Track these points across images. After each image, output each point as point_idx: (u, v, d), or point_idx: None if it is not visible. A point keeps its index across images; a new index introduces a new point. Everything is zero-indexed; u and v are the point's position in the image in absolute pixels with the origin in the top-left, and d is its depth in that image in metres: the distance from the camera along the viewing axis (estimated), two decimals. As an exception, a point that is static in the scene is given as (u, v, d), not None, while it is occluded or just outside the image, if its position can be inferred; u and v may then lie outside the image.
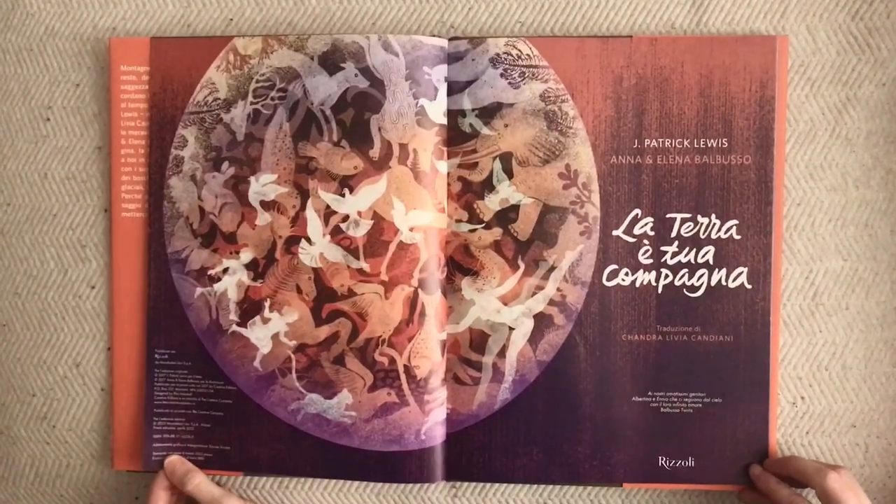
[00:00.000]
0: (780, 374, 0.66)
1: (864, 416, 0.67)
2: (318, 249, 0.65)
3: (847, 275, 0.66)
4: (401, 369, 0.65)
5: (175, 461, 0.66)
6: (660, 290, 0.65)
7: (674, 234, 0.65)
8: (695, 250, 0.65)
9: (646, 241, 0.65)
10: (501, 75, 0.65)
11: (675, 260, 0.65)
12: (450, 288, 0.66)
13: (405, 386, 0.65)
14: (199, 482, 0.64)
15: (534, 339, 0.65)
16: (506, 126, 0.65)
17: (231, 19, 0.68)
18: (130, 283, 0.68)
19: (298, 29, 0.68)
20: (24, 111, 0.69)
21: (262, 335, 0.66)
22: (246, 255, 0.66)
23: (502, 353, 0.65)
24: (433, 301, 0.65)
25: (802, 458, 0.63)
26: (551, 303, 0.65)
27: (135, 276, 0.67)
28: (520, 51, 0.64)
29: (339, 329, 0.65)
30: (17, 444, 0.70)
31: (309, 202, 0.65)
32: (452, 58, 0.65)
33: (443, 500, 0.68)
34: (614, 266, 0.65)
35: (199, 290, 0.67)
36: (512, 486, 0.67)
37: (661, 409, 0.65)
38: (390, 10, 0.67)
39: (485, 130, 0.65)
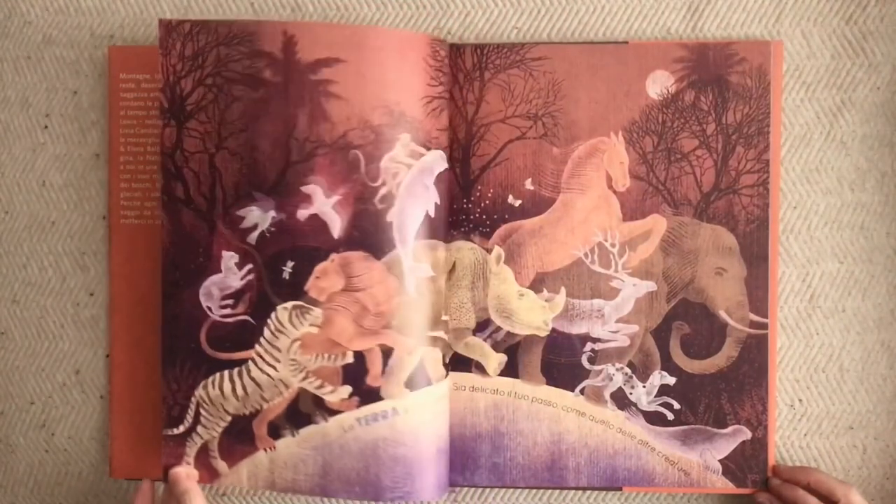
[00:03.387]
0: (778, 376, 0.67)
1: (862, 418, 0.67)
2: None
3: (843, 277, 0.67)
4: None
5: (180, 473, 0.63)
6: (658, 294, 0.66)
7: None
8: (692, 254, 0.66)
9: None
10: None
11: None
12: None
13: None
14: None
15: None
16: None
17: (229, 26, 0.68)
18: (130, 290, 0.67)
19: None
20: (23, 119, 0.69)
21: None
22: None
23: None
24: None
25: (822, 471, 0.64)
26: None
27: (134, 284, 0.67)
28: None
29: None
30: (16, 453, 0.70)
31: None
32: None
33: (443, 504, 0.68)
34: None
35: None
36: (512, 489, 0.68)
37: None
38: (388, 15, 0.68)
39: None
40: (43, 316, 0.69)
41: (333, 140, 0.61)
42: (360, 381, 0.62)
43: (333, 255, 0.62)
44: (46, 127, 0.69)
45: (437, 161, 0.63)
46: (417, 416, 0.63)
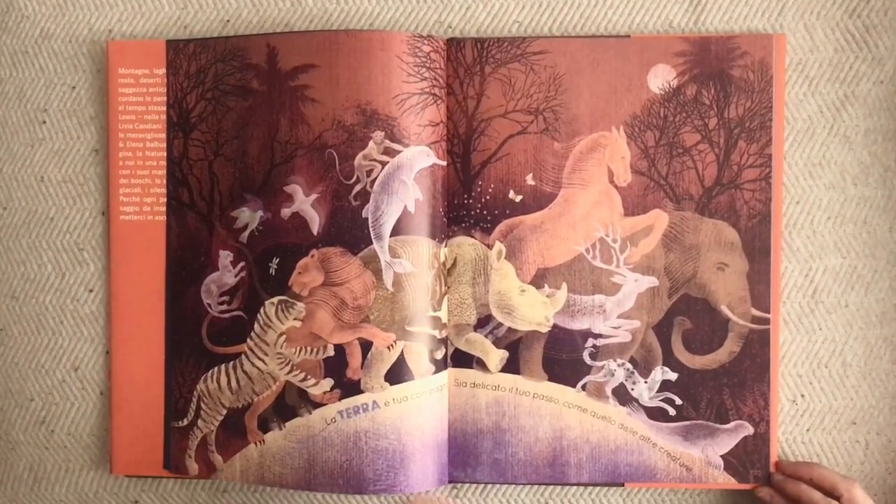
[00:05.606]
0: (781, 371, 0.66)
1: (864, 414, 0.67)
2: None
3: (846, 272, 0.66)
4: None
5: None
6: (660, 290, 0.66)
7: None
8: (695, 249, 0.66)
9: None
10: None
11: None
12: None
13: None
14: None
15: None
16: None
17: (228, 20, 0.68)
18: (129, 286, 0.67)
19: (296, 30, 0.67)
20: (20, 114, 0.69)
21: None
22: None
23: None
24: None
25: (825, 466, 0.64)
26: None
27: (134, 280, 0.67)
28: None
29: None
30: (16, 449, 0.70)
31: None
32: None
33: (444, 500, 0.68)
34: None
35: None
36: (513, 485, 0.67)
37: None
38: (388, 10, 0.67)
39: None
40: (42, 312, 0.69)
41: (310, 141, 0.63)
42: (340, 374, 0.64)
43: (313, 251, 0.64)
44: (44, 122, 0.69)
45: (419, 157, 0.63)
46: (398, 409, 0.63)
